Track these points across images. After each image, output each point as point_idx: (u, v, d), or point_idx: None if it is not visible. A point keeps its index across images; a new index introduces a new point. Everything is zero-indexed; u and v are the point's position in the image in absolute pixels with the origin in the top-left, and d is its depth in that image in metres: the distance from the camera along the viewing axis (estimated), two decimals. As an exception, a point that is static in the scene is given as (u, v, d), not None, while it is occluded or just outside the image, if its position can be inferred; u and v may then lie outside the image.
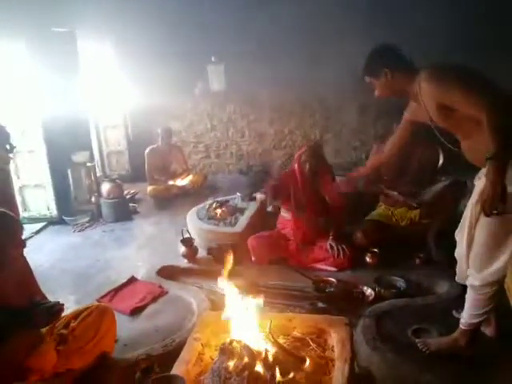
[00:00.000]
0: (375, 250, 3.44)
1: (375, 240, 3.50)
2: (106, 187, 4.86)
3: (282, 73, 5.60)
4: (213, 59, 6.26)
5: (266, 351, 1.94)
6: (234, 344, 1.95)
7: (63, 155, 4.74)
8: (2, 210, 1.88)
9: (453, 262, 2.68)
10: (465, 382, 2.15)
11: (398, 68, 2.17)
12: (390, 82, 2.20)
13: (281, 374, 1.88)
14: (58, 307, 2.00)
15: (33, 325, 1.93)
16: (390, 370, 2.26)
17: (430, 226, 3.49)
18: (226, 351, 1.95)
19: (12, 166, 4.28)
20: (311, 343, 2.12)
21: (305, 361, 1.98)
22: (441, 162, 3.60)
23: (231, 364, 1.89)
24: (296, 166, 3.46)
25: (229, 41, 5.82)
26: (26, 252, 2.11)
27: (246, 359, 1.89)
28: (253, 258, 3.50)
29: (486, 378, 2.13)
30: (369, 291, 3.04)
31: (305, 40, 5.56)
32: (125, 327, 2.76)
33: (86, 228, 4.69)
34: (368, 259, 3.42)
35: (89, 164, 4.96)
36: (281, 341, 2.11)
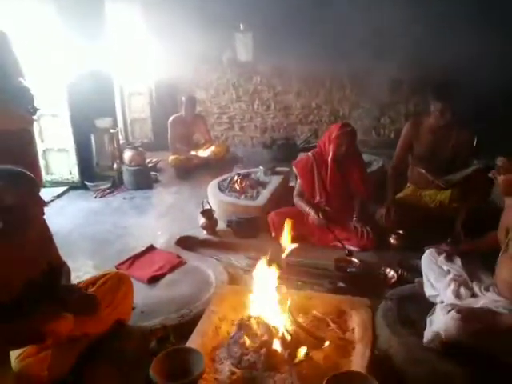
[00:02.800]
0: (400, 231, 3.32)
1: (401, 221, 3.38)
2: (128, 154, 4.83)
3: (311, 44, 5.38)
4: (241, 27, 6.07)
5: (285, 329, 1.88)
6: (252, 320, 1.90)
7: (87, 120, 4.71)
8: (21, 169, 1.84)
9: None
10: (484, 373, 2.05)
11: None
12: None
13: (299, 353, 1.83)
14: (95, 302, 1.98)
15: (64, 309, 1.92)
16: (408, 355, 2.18)
17: (460, 211, 3.35)
18: (244, 327, 1.91)
19: (36, 129, 4.27)
20: (331, 324, 2.07)
21: (324, 341, 1.92)
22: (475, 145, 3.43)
23: (248, 340, 1.85)
24: (330, 147, 3.30)
25: (257, 9, 5.61)
26: (47, 215, 2.08)
27: (263, 336, 1.84)
28: (273, 234, 3.42)
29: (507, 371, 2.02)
30: (391, 273, 2.95)
31: (336, 11, 5.30)
32: (142, 295, 2.73)
33: (106, 194, 4.70)
34: (392, 241, 3.30)
35: (112, 130, 4.93)
36: (300, 320, 2.06)
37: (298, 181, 3.54)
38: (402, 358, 2.19)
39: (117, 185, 4.85)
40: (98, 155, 4.87)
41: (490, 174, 2.14)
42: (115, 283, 2.30)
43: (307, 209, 3.37)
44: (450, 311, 2.01)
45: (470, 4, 4.81)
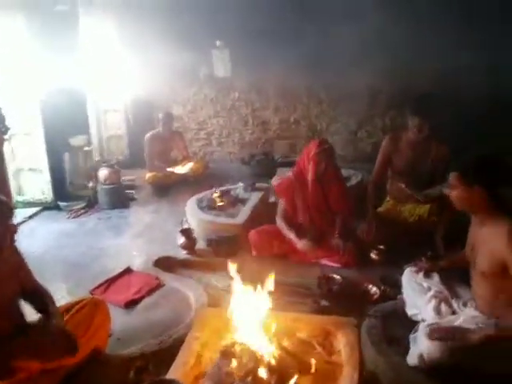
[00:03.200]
0: (381, 246, 3.31)
1: (382, 236, 3.37)
2: (103, 173, 4.70)
3: (288, 59, 5.41)
4: (217, 44, 6.07)
5: (271, 355, 1.81)
6: (237, 347, 1.83)
7: (61, 139, 4.60)
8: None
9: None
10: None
11: (492, 197, 1.96)
12: (473, 200, 2.01)
13: (285, 379, 1.76)
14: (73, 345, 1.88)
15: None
16: (395, 376, 2.13)
17: (439, 224, 3.37)
18: (228, 354, 1.83)
19: (8, 149, 4.12)
20: (317, 346, 2.01)
21: (311, 366, 1.86)
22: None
23: (233, 368, 1.77)
24: (309, 166, 3.29)
25: (234, 25, 5.63)
26: (18, 238, 1.98)
27: (249, 364, 1.77)
28: (254, 253, 3.36)
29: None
30: (374, 289, 2.93)
31: (313, 26, 5.36)
32: (119, 320, 2.63)
33: (81, 214, 4.55)
34: (374, 256, 3.30)
35: (86, 148, 4.82)
36: (285, 343, 1.99)
37: (281, 202, 3.48)
38: (390, 378, 2.14)
39: (92, 204, 4.71)
40: (71, 174, 4.74)
41: (445, 191, 2.15)
42: (91, 310, 2.21)
43: (291, 236, 3.31)
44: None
45: (451, 17, 4.92)
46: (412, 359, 2.08)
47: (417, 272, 2.54)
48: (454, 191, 2.09)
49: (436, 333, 1.96)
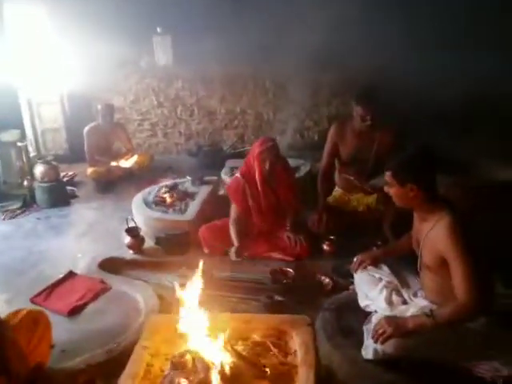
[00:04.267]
0: (332, 237, 3.33)
1: (332, 227, 3.39)
2: (39, 169, 4.39)
3: (232, 46, 5.27)
4: (158, 30, 5.82)
5: (223, 363, 1.74)
6: (187, 356, 1.74)
7: (-12, 134, 4.23)
8: None
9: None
10: (429, 379, 2.07)
11: (426, 191, 2.04)
12: (408, 197, 2.07)
13: (240, 386, 1.70)
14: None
15: None
16: (351, 368, 2.15)
17: (386, 213, 3.42)
18: (178, 365, 1.74)
19: None
20: (272, 348, 1.96)
21: (266, 369, 1.81)
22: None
23: (184, 380, 1.69)
24: (255, 164, 3.22)
25: (175, 9, 5.41)
26: None
27: (201, 374, 1.69)
28: (205, 250, 3.27)
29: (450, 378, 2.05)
30: (327, 281, 2.94)
31: (260, 10, 5.23)
32: (63, 330, 2.47)
33: (17, 215, 4.24)
34: (325, 247, 3.31)
35: (20, 143, 4.47)
36: (239, 347, 1.94)
37: (233, 206, 3.38)
38: (346, 372, 2.15)
39: (28, 204, 4.40)
40: (4, 172, 4.41)
41: (385, 189, 2.20)
42: (29, 324, 2.05)
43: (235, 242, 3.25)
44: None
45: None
46: (367, 353, 2.09)
47: (355, 271, 2.60)
48: (390, 189, 2.16)
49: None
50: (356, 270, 2.59)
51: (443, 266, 2.00)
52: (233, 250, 3.19)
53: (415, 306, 2.20)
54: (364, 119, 3.29)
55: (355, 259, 2.64)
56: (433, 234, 2.03)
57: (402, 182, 2.06)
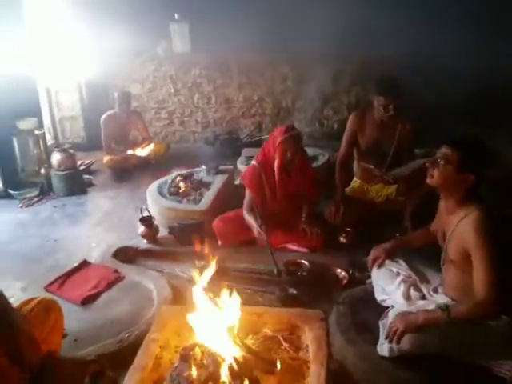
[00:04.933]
0: (349, 229, 3.24)
1: (349, 218, 3.30)
2: (56, 157, 4.40)
3: (251, 34, 5.16)
4: (176, 17, 5.74)
5: (233, 357, 1.70)
6: (197, 350, 1.70)
7: (7, 122, 4.24)
8: None
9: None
10: (444, 376, 1.99)
11: (476, 185, 1.93)
12: (456, 183, 1.95)
13: (250, 382, 1.65)
14: None
15: None
16: (365, 365, 2.10)
17: (407, 204, 3.32)
18: (188, 358, 1.70)
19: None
20: (283, 342, 1.91)
21: (276, 364, 1.76)
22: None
23: (193, 373, 1.65)
24: (276, 154, 3.10)
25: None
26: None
27: (210, 368, 1.65)
28: (219, 242, 3.22)
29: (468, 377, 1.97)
30: (342, 274, 2.87)
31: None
32: (75, 319, 2.48)
33: (34, 203, 4.26)
34: (342, 239, 3.23)
35: (37, 131, 4.48)
36: (250, 341, 1.89)
37: (247, 193, 3.28)
38: (359, 369, 2.10)
39: (45, 192, 4.42)
40: (22, 160, 4.42)
41: (428, 163, 2.05)
42: (42, 312, 2.04)
43: (254, 225, 3.16)
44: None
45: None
46: (382, 350, 2.03)
47: (370, 269, 2.52)
48: (441, 167, 1.97)
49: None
50: (371, 268, 2.51)
51: (468, 262, 1.92)
52: (256, 231, 3.10)
53: (435, 302, 2.12)
54: (386, 110, 3.18)
55: (369, 256, 2.56)
56: (460, 228, 1.94)
57: (463, 169, 1.91)
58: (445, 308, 1.91)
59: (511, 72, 4.39)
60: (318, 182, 3.34)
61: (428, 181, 2.05)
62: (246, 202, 3.27)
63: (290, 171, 3.18)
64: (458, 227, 1.95)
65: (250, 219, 3.19)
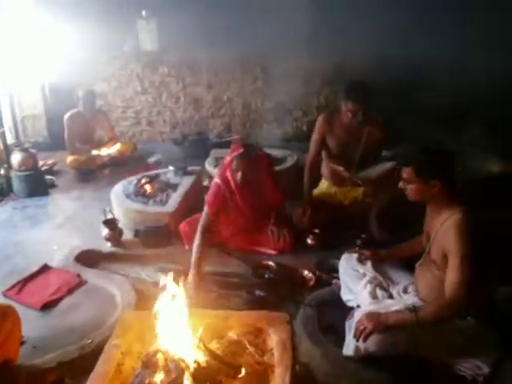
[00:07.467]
0: (317, 231, 3.26)
1: (317, 220, 3.32)
2: (16, 157, 4.24)
3: (221, 33, 5.13)
4: (143, 14, 5.63)
5: (196, 363, 1.67)
6: (159, 355, 1.66)
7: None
8: None
9: (394, 242, 2.60)
10: (410, 376, 2.02)
11: (448, 188, 2.00)
12: (430, 192, 2.02)
13: (213, 388, 1.63)
14: None
15: None
16: (332, 367, 2.10)
17: (373, 206, 3.37)
18: (150, 364, 1.66)
19: None
20: (248, 346, 1.88)
21: (240, 369, 1.74)
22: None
23: (155, 380, 1.61)
24: (228, 173, 3.02)
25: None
26: None
27: (173, 374, 1.62)
28: (186, 247, 3.16)
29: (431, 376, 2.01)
30: (309, 275, 2.87)
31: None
32: (35, 325, 2.41)
33: (-7, 205, 4.11)
34: (309, 241, 3.24)
35: (-4, 130, 4.32)
36: (214, 346, 1.85)
37: (205, 209, 3.05)
38: (325, 370, 2.11)
39: (5, 193, 4.28)
40: (-20, 160, 4.24)
41: (400, 185, 2.14)
42: (-4, 319, 1.95)
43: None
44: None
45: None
46: (348, 350, 2.04)
47: (359, 260, 2.52)
48: (409, 185, 2.09)
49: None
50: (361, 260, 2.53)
51: (447, 264, 1.95)
52: (189, 276, 2.71)
53: (403, 302, 2.15)
54: (354, 114, 3.19)
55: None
56: (443, 229, 1.99)
57: (426, 179, 2.00)
58: (412, 309, 1.94)
59: (479, 75, 4.49)
60: (284, 185, 3.33)
61: (410, 199, 2.15)
62: (202, 218, 3.02)
63: (250, 185, 3.07)
64: (441, 229, 1.99)
65: (196, 247, 2.84)
